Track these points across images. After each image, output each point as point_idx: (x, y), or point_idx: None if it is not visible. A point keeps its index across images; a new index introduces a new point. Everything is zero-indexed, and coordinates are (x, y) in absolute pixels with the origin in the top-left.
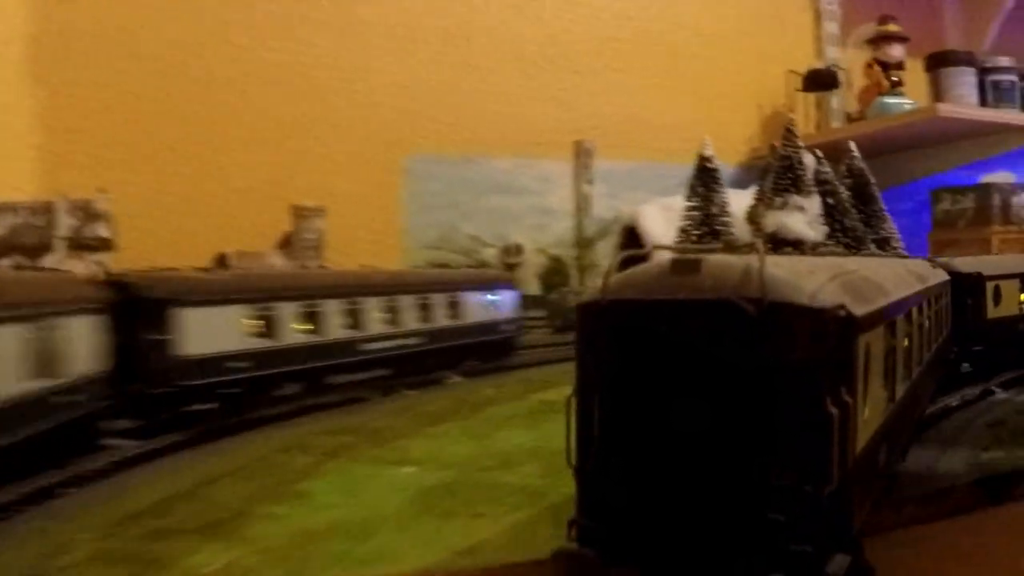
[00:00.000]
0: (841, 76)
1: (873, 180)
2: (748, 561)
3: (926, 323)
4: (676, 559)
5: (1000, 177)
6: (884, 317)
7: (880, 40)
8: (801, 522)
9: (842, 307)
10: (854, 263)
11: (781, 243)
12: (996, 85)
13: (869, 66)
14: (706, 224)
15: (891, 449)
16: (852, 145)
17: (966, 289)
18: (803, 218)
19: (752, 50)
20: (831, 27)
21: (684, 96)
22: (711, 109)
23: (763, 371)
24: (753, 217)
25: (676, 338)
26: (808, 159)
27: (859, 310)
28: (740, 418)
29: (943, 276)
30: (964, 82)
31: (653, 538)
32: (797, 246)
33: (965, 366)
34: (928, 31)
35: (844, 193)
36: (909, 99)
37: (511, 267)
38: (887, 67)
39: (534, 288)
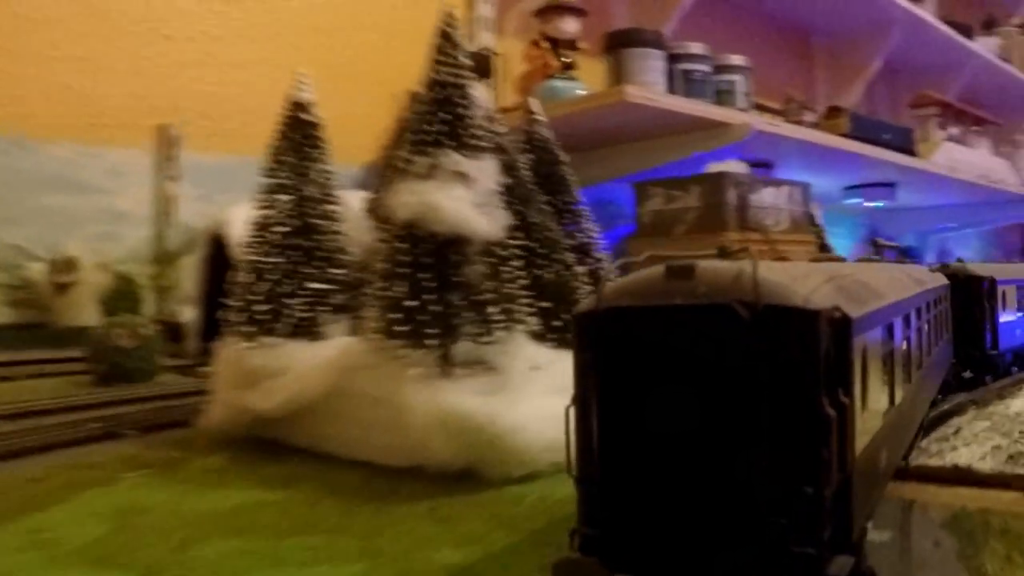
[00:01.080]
0: (497, 63)
1: (565, 158)
2: (750, 564)
3: (925, 327)
4: (678, 564)
5: (732, 166)
6: (881, 320)
7: (550, 12)
8: (802, 524)
9: (837, 309)
10: (849, 267)
11: (427, 239)
12: (687, 75)
13: (535, 44)
14: (298, 216)
15: (892, 452)
16: (535, 104)
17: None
18: (466, 195)
19: (394, 30)
20: (485, 9)
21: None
22: (340, 96)
23: (759, 374)
24: (378, 204)
25: (672, 344)
26: (480, 95)
27: (854, 312)
28: (738, 422)
29: (942, 280)
30: (651, 67)
31: (655, 544)
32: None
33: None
34: (602, 10)
35: (524, 171)
36: (583, 84)
37: (62, 288)
38: (557, 45)
39: (89, 317)
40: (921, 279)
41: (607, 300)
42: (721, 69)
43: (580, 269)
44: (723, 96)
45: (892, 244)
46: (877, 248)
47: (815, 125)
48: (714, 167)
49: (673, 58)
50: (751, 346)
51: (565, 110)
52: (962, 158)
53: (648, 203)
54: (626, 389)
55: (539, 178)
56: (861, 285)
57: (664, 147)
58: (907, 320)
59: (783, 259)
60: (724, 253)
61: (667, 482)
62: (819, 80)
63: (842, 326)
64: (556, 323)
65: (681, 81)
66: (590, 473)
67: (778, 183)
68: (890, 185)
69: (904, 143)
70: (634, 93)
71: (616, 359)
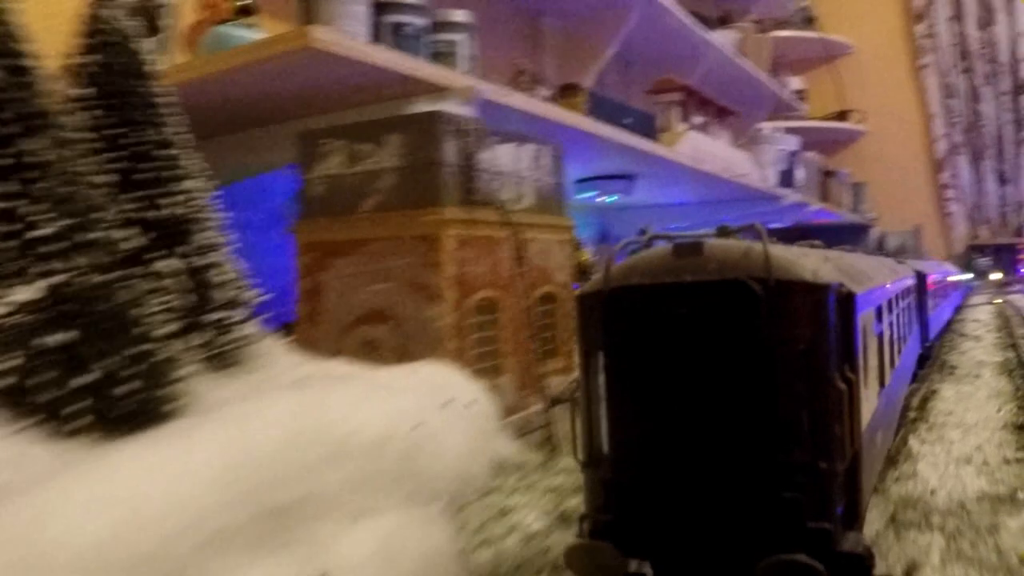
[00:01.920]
0: (166, 14)
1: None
2: (766, 541)
3: (903, 315)
4: (693, 544)
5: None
6: (875, 301)
7: None
8: (816, 499)
9: (842, 285)
10: (830, 252)
11: None
12: (398, 29)
13: None
14: None
15: (885, 434)
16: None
17: None
18: None
19: None
20: None
21: None
22: None
23: (771, 349)
24: None
25: (685, 320)
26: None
27: (856, 289)
28: (750, 398)
29: (909, 270)
30: (351, 13)
31: (669, 525)
32: None
33: None
34: None
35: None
36: (263, 30)
37: None
38: None
39: None
40: (895, 269)
41: (615, 280)
42: (441, 27)
43: (163, 265)
44: (442, 58)
45: (667, 235)
46: (648, 239)
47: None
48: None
49: (380, 8)
50: (763, 321)
51: (234, 62)
52: (707, 149)
53: (320, 164)
54: (638, 367)
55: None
56: (852, 267)
57: (369, 117)
58: (891, 305)
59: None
60: (725, 231)
61: (680, 461)
62: (549, 65)
63: (847, 302)
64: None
65: (390, 35)
66: (600, 457)
67: (521, 138)
68: (628, 178)
69: (646, 130)
70: (323, 38)
71: (628, 337)
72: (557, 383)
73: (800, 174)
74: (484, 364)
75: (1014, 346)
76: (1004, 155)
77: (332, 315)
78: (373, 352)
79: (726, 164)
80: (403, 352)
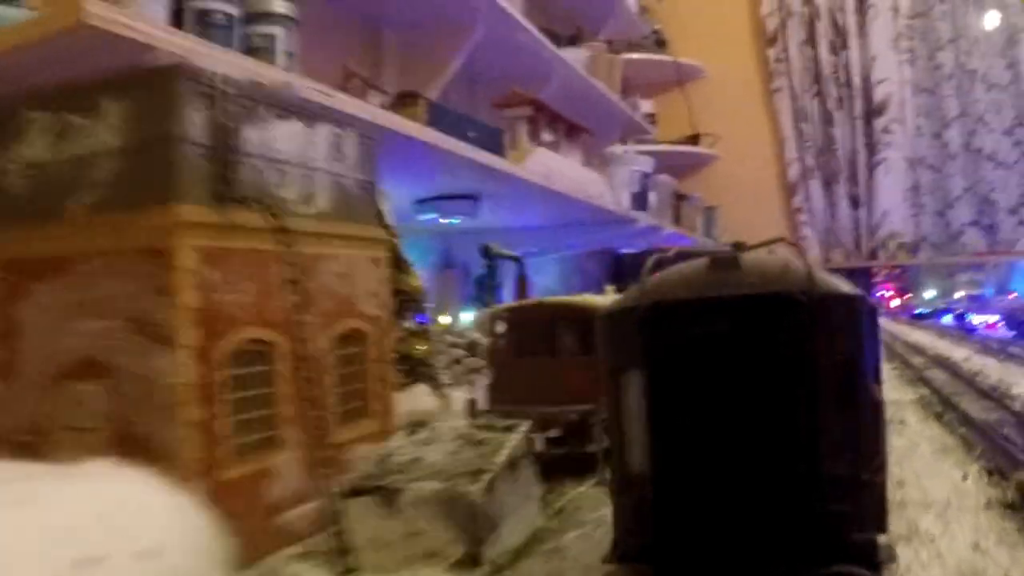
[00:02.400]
0: None
1: None
2: (813, 555)
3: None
4: (738, 562)
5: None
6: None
7: None
8: (860, 511)
9: (866, 297)
10: None
11: None
12: (204, 17)
13: None
14: None
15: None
16: None
17: None
18: None
19: None
20: None
21: None
22: None
23: (814, 362)
24: None
25: (728, 334)
26: None
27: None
28: (793, 412)
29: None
30: None
31: (712, 543)
32: None
33: None
34: None
35: None
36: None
37: None
38: None
39: None
40: None
41: (651, 295)
42: (257, 18)
43: None
44: (257, 53)
45: (508, 253)
46: (491, 256)
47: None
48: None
49: None
50: (809, 333)
51: None
52: (557, 168)
53: (17, 145)
54: (679, 384)
55: None
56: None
57: None
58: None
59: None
60: (739, 247)
61: (722, 481)
62: (389, 76)
63: (874, 314)
64: None
65: (195, 24)
66: (635, 478)
67: (313, 115)
68: (472, 198)
69: (493, 145)
70: (100, 14)
71: (668, 353)
72: (364, 455)
73: (653, 197)
74: (250, 438)
75: (922, 379)
76: (857, 179)
77: (32, 365)
78: (83, 422)
79: (578, 184)
80: (124, 424)
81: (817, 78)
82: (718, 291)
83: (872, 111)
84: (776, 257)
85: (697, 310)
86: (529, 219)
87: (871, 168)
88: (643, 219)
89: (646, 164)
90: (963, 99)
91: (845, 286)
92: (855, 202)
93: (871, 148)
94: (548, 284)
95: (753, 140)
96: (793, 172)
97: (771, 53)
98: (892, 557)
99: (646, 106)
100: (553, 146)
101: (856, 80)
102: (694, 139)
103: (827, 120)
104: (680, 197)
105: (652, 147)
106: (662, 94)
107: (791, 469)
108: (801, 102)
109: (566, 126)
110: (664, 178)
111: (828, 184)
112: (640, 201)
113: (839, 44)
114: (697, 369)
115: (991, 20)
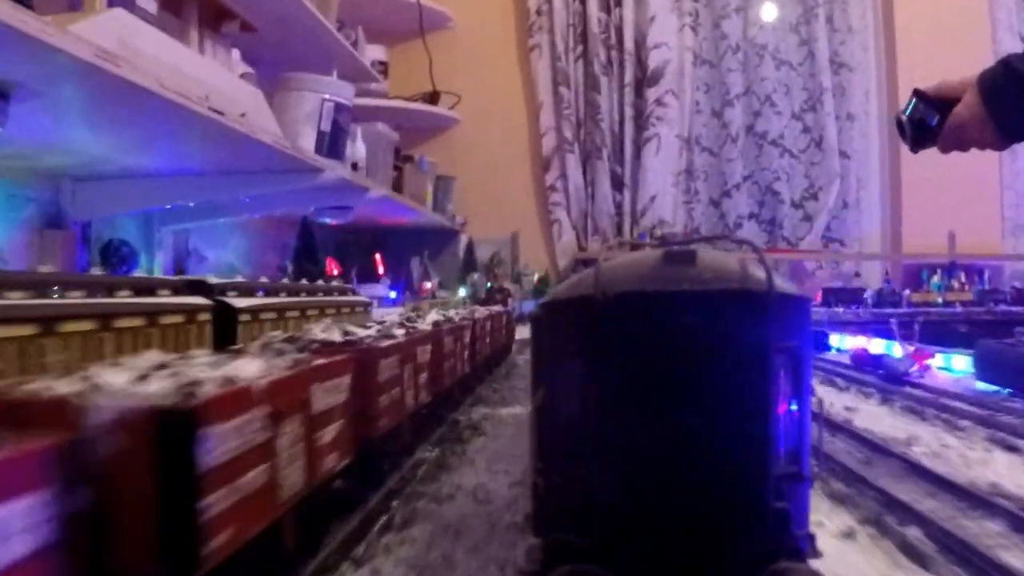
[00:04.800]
0: None
1: None
2: (756, 551)
3: None
4: (678, 556)
5: None
6: None
7: None
8: (800, 508)
9: (810, 298)
10: None
11: None
12: None
13: None
14: None
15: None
16: None
17: None
18: None
19: None
20: None
21: None
22: None
23: (764, 359)
24: None
25: (683, 329)
26: None
27: None
28: (740, 408)
29: None
30: None
31: (662, 538)
32: None
33: None
34: None
35: None
36: None
37: None
38: None
39: None
40: None
41: (606, 286)
42: None
43: None
44: None
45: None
46: None
47: None
48: None
49: None
50: (764, 330)
51: None
52: (153, 51)
53: None
54: (632, 376)
55: None
56: None
57: None
58: None
59: None
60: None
61: (666, 474)
62: None
63: (809, 311)
64: None
65: None
66: (578, 475)
67: None
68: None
69: None
70: None
71: (622, 345)
72: None
73: (359, 147)
74: None
75: None
76: (623, 156)
77: None
78: None
79: (206, 90)
80: None
81: (583, 37)
82: (674, 286)
83: (645, 80)
84: (729, 255)
85: (656, 304)
86: (156, 158)
87: (639, 145)
88: (333, 170)
89: (342, 91)
90: (749, 75)
91: (790, 286)
92: (618, 183)
93: (640, 122)
94: (228, 259)
95: (503, 104)
96: (548, 144)
97: (532, 4)
98: (817, 552)
99: (376, 52)
100: (160, 21)
101: (629, 43)
102: (433, 98)
103: (592, 86)
104: (406, 159)
105: (380, 101)
106: (400, 44)
107: (728, 467)
108: (562, 63)
109: (209, 5)
110: (382, 128)
111: (588, 160)
112: (332, 145)
113: (613, 1)
114: (655, 362)
115: None
